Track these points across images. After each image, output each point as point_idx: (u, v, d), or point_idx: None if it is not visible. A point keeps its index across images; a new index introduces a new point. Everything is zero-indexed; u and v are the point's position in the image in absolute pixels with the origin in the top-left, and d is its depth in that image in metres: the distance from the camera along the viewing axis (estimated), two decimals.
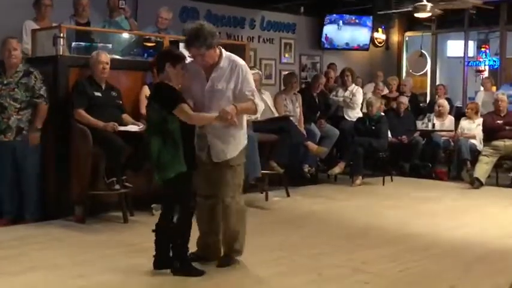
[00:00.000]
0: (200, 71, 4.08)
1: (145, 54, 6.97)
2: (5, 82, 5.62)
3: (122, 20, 7.35)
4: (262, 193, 7.01)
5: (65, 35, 5.98)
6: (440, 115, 9.43)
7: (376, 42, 12.25)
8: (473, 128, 9.01)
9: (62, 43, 5.91)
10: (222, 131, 4.09)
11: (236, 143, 4.18)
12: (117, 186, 5.60)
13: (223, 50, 4.12)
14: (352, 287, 3.98)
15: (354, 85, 9.18)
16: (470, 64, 12.01)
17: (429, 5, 9.67)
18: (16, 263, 4.37)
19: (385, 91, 10.18)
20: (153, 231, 4.13)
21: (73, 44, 6.52)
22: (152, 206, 6.07)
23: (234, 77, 4.05)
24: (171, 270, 4.06)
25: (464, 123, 9.20)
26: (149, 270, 4.15)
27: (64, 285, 3.92)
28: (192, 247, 4.24)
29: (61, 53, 5.91)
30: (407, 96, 9.95)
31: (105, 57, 5.82)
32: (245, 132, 4.29)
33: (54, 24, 6.40)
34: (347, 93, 9.06)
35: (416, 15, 10.45)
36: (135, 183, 5.81)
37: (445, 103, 9.60)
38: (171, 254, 4.11)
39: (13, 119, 5.60)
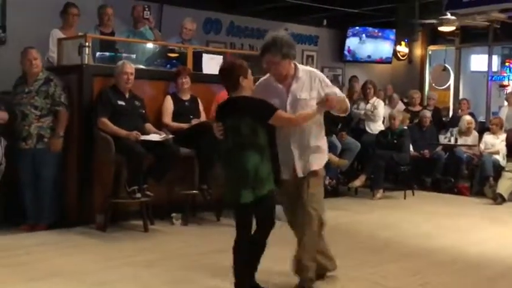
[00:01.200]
0: (277, 86, 3.95)
1: (169, 65, 7.03)
2: (26, 90, 5.71)
3: (146, 30, 7.43)
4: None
5: (90, 45, 6.06)
6: (467, 133, 9.28)
7: (399, 56, 12.22)
8: (497, 143, 8.90)
9: (87, 52, 6.00)
10: (307, 142, 3.96)
11: (322, 153, 4.07)
12: (138, 195, 5.63)
13: (297, 63, 4.04)
14: None
15: (375, 98, 9.15)
16: (494, 79, 11.89)
17: (453, 18, 9.63)
18: (37, 268, 4.41)
19: (400, 104, 10.09)
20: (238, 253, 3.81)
21: (97, 53, 6.60)
22: (172, 215, 6.10)
23: (316, 85, 3.95)
24: None
25: (487, 138, 9.09)
26: (170, 279, 4.15)
27: None
28: None
29: (86, 62, 5.99)
30: (430, 110, 9.90)
31: (130, 67, 5.88)
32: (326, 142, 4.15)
33: (80, 34, 6.49)
34: (368, 106, 9.03)
35: (440, 28, 10.42)
36: (156, 192, 5.84)
37: (473, 120, 9.49)
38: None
39: (34, 126, 5.68)
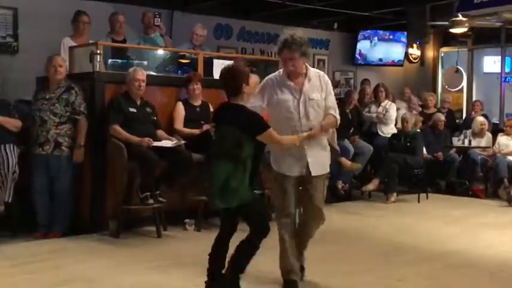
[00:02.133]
0: (290, 83, 4.04)
1: (180, 71, 7.04)
2: (47, 97, 5.75)
3: (157, 37, 7.45)
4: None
5: (101, 52, 6.09)
6: (480, 134, 9.23)
7: (411, 58, 12.16)
8: (511, 144, 8.84)
9: (98, 60, 6.02)
10: (319, 144, 4.11)
11: (329, 155, 4.24)
12: (150, 201, 5.65)
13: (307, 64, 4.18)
14: None
15: (387, 101, 9.11)
16: (507, 80, 11.80)
17: (465, 20, 9.57)
18: (51, 275, 4.43)
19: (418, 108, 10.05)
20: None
21: (109, 61, 6.63)
22: (185, 221, 6.10)
23: (324, 87, 4.11)
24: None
25: (501, 139, 9.03)
26: (183, 285, 4.15)
27: None
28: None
29: (97, 70, 6.02)
30: (443, 112, 9.84)
31: (142, 74, 5.90)
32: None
33: (91, 41, 6.53)
34: (380, 109, 8.99)
35: (452, 30, 10.36)
36: (169, 198, 5.84)
37: (485, 121, 9.42)
38: None
39: (52, 132, 5.70)
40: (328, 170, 4.21)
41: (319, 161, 4.09)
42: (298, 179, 4.10)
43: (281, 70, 4.10)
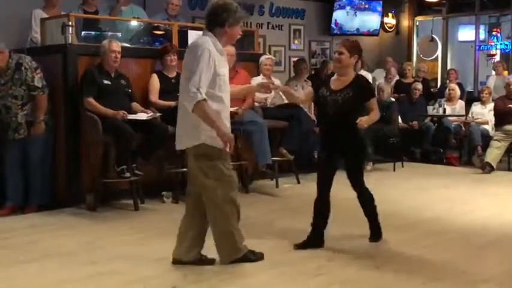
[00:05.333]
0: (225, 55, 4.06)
1: (157, 43, 6.93)
2: (2, 82, 5.58)
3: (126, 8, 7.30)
4: (272, 180, 7.02)
5: (73, 24, 5.98)
6: (450, 99, 9.37)
7: (386, 27, 12.15)
8: (485, 113, 8.95)
9: (70, 32, 5.91)
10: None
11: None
12: (127, 174, 5.63)
13: None
14: (363, 271, 3.98)
15: (362, 70, 9.12)
16: (481, 48, 11.88)
17: None
18: (29, 250, 4.41)
19: (396, 77, 10.09)
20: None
21: (83, 33, 6.51)
22: (163, 193, 6.10)
23: None
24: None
25: (475, 108, 9.14)
26: (162, 256, 4.16)
27: (76, 272, 3.95)
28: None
29: (70, 42, 5.91)
30: (418, 81, 9.90)
31: (117, 45, 5.82)
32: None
33: (62, 13, 6.39)
34: None
35: None
36: (146, 171, 5.83)
37: (456, 87, 9.55)
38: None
39: (20, 116, 5.59)
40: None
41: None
42: None
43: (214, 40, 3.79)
